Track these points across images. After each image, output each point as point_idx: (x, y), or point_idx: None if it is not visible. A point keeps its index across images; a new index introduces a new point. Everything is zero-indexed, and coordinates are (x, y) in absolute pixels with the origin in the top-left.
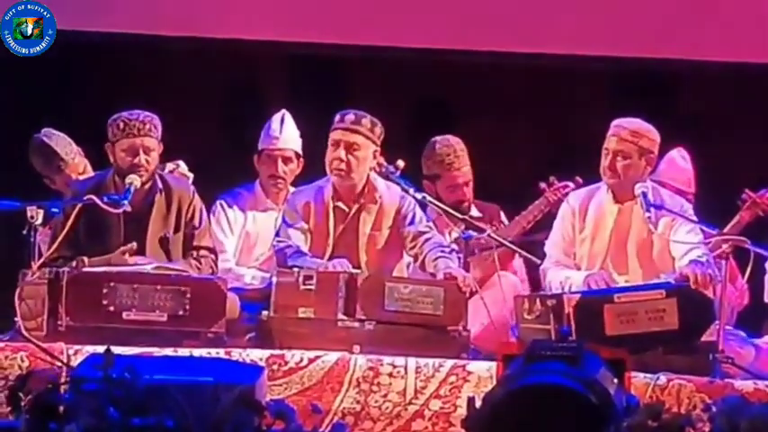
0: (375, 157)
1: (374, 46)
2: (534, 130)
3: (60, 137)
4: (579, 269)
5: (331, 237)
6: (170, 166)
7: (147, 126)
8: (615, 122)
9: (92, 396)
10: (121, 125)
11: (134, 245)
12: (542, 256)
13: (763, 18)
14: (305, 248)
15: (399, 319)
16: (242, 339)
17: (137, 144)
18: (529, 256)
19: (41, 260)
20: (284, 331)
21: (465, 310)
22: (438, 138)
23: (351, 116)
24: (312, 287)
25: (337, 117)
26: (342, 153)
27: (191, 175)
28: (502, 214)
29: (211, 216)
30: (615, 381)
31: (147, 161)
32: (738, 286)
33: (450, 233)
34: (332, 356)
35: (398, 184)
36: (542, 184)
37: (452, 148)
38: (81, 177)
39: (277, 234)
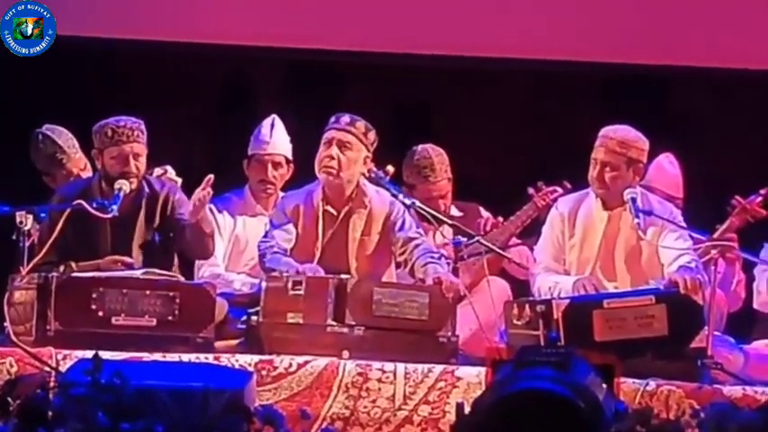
0: (366, 163)
1: (364, 51)
2: (522, 134)
3: (63, 131)
4: (569, 275)
5: (320, 241)
6: (158, 171)
7: (136, 133)
8: (603, 132)
9: (80, 401)
10: (109, 132)
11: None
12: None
13: (751, 24)
14: (288, 248)
15: (388, 325)
16: (222, 343)
17: (126, 151)
18: (517, 261)
19: (30, 265)
20: (273, 336)
21: (451, 314)
22: (418, 147)
23: (346, 118)
24: (301, 292)
25: (333, 118)
26: (334, 151)
27: (179, 180)
28: (482, 210)
29: None
30: (604, 386)
31: (137, 167)
32: (735, 290)
33: (434, 236)
34: (321, 362)
35: (388, 189)
36: (530, 189)
37: (430, 160)
38: (72, 180)
39: (264, 236)
